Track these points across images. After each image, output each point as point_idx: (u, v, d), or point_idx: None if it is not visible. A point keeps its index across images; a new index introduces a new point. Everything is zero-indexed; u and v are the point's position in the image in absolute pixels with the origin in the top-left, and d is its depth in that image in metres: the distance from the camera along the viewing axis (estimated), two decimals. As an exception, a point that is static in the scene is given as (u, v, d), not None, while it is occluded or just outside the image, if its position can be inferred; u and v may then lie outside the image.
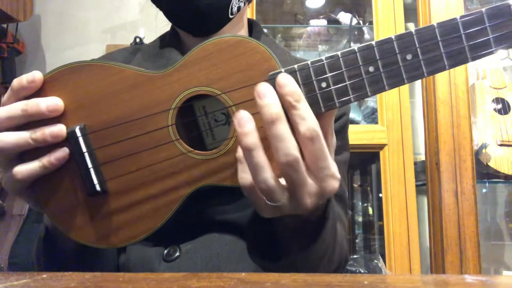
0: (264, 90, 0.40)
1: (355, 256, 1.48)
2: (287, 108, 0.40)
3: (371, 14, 1.64)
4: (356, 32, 1.86)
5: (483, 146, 1.51)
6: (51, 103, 0.46)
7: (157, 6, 0.64)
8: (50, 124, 0.46)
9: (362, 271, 1.41)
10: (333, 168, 0.41)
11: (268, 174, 0.39)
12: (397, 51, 0.41)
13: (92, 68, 0.48)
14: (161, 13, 0.65)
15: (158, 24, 1.94)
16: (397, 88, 1.52)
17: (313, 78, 0.42)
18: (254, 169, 0.40)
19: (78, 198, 0.48)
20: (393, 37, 0.41)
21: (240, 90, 0.44)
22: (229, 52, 0.45)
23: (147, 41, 1.79)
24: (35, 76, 0.46)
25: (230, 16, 0.63)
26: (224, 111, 0.48)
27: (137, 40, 1.83)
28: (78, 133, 0.47)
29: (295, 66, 0.42)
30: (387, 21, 1.57)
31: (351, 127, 0.72)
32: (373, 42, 0.42)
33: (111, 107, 0.47)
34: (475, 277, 0.33)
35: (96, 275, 0.35)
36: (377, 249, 1.66)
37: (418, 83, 1.78)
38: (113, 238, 0.48)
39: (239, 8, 0.64)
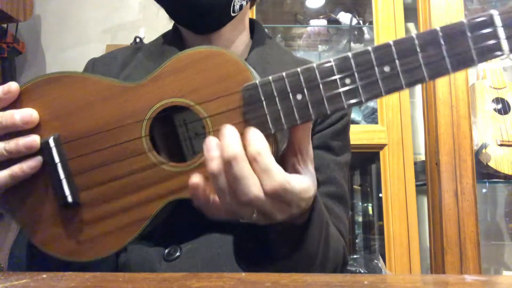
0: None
1: (355, 256, 1.48)
2: (250, 161, 0.40)
3: (371, 14, 1.64)
4: (356, 32, 1.86)
5: (483, 146, 1.51)
6: (26, 114, 0.46)
7: (159, 3, 0.64)
8: (25, 135, 0.46)
9: (362, 271, 1.41)
10: (306, 193, 0.42)
11: (228, 197, 0.40)
12: (375, 63, 0.40)
13: (68, 79, 0.48)
14: (161, 13, 0.64)
15: (158, 24, 1.94)
16: (397, 88, 1.52)
17: (289, 90, 0.41)
18: (218, 193, 0.41)
19: (51, 210, 0.48)
20: (370, 48, 0.40)
21: (215, 101, 0.44)
22: (204, 63, 0.44)
23: (147, 41, 1.79)
24: (11, 87, 0.47)
25: (232, 14, 0.62)
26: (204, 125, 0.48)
27: (137, 40, 1.82)
28: (52, 144, 0.47)
29: (270, 77, 0.42)
30: (387, 21, 1.57)
31: (351, 127, 0.72)
32: (349, 54, 0.41)
33: (86, 118, 0.47)
34: (475, 277, 0.33)
35: (96, 275, 0.35)
36: (377, 249, 1.66)
37: (418, 83, 1.78)
38: (85, 251, 0.47)
39: (241, 7, 0.63)
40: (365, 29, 1.84)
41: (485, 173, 1.54)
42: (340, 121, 0.67)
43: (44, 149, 0.47)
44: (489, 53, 0.38)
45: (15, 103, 0.48)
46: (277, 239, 0.48)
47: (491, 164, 1.50)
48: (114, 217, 0.47)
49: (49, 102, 0.48)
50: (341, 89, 0.40)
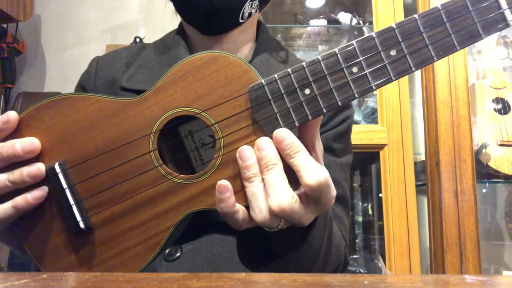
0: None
1: (355, 256, 1.48)
2: (286, 159, 0.40)
3: (371, 14, 1.64)
4: (356, 32, 1.86)
5: (483, 146, 1.51)
6: (27, 143, 0.45)
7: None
8: (29, 163, 0.44)
9: (362, 271, 1.41)
10: (333, 191, 0.42)
11: (262, 205, 0.40)
12: (380, 48, 0.39)
13: (68, 101, 0.47)
14: (161, 13, 0.64)
15: (158, 24, 1.94)
16: (397, 88, 1.52)
17: (296, 85, 0.41)
18: (252, 199, 0.40)
19: (63, 239, 0.46)
20: (373, 34, 0.40)
21: (221, 106, 0.43)
22: (206, 69, 0.44)
23: (147, 41, 1.79)
24: (9, 116, 0.45)
25: (241, 20, 0.62)
26: (212, 134, 0.46)
27: (137, 40, 1.82)
28: (58, 169, 0.45)
29: (275, 75, 0.41)
30: (387, 21, 1.57)
31: (350, 127, 0.72)
32: (353, 41, 0.40)
33: (90, 139, 0.46)
34: (475, 277, 0.33)
35: (96, 275, 0.35)
36: (377, 249, 1.66)
37: (418, 83, 1.78)
38: None
39: (250, 14, 0.63)
40: (365, 29, 1.84)
41: (485, 173, 1.54)
42: (343, 124, 0.67)
43: (50, 176, 0.45)
44: (494, 25, 0.38)
45: (16, 132, 0.46)
46: (282, 234, 0.48)
47: (491, 164, 1.50)
48: (129, 239, 0.45)
49: (50, 127, 0.46)
50: (349, 78, 0.40)
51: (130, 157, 0.45)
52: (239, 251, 0.51)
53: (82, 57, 1.91)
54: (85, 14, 2.02)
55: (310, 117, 0.41)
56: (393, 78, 0.39)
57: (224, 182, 0.41)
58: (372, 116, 1.66)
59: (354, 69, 0.40)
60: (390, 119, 1.50)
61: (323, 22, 1.86)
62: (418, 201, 1.52)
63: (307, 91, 0.40)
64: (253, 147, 0.42)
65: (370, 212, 1.82)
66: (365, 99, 1.82)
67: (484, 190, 1.71)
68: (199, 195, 0.44)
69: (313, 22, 1.88)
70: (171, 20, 0.75)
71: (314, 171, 0.39)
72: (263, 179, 0.40)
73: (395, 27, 0.39)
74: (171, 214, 0.44)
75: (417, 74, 1.80)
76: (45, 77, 1.98)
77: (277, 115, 0.41)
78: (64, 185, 0.45)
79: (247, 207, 0.42)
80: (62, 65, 1.97)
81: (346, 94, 0.40)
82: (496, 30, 0.38)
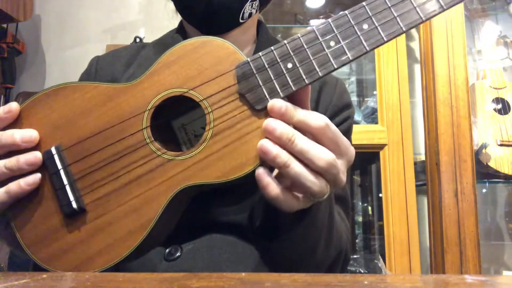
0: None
1: (355, 256, 1.48)
2: (285, 146, 0.42)
3: (371, 14, 1.64)
4: (356, 32, 1.86)
5: (483, 146, 1.51)
6: (26, 134, 0.47)
7: None
8: (26, 152, 0.46)
9: (362, 271, 1.41)
10: (347, 142, 0.45)
11: (311, 177, 0.42)
12: (353, 23, 0.44)
13: (66, 90, 0.49)
14: (161, 13, 0.65)
15: (158, 24, 1.94)
16: (397, 88, 1.52)
17: (278, 60, 0.44)
18: (299, 179, 0.42)
19: (56, 223, 0.46)
20: (346, 11, 0.45)
21: (209, 84, 0.46)
22: (196, 52, 0.47)
23: (146, 41, 1.79)
24: (11, 106, 0.48)
25: (241, 21, 0.63)
26: (204, 126, 0.47)
27: (137, 40, 1.82)
28: (54, 151, 0.47)
29: (259, 53, 0.45)
30: (387, 21, 1.57)
31: (350, 127, 0.72)
32: (329, 20, 0.45)
33: (86, 124, 0.48)
34: (475, 277, 0.33)
35: (96, 275, 0.35)
36: (377, 249, 1.66)
37: (418, 83, 1.78)
38: (93, 262, 0.45)
39: (250, 14, 0.64)
40: (365, 29, 1.84)
41: (485, 173, 1.53)
42: (343, 124, 0.67)
43: (46, 160, 0.46)
44: None
45: (16, 121, 0.48)
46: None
47: (491, 164, 1.50)
48: (121, 217, 0.46)
49: (49, 115, 0.48)
50: (328, 51, 0.44)
51: (122, 136, 0.47)
52: (248, 229, 0.52)
53: (82, 57, 1.90)
54: (85, 14, 2.02)
55: (293, 88, 0.44)
56: (367, 48, 0.44)
57: (261, 170, 0.43)
58: (372, 116, 1.66)
59: (332, 43, 0.44)
60: (390, 119, 1.50)
61: (323, 22, 1.85)
62: (418, 201, 1.52)
63: (289, 65, 0.44)
64: (242, 118, 0.45)
65: (370, 212, 1.82)
66: (365, 99, 1.82)
67: (484, 190, 1.71)
68: (191, 170, 0.45)
69: (313, 22, 1.88)
70: (171, 20, 0.75)
71: (317, 115, 0.43)
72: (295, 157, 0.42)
73: (365, 4, 0.44)
74: (163, 190, 0.45)
75: (417, 74, 1.80)
76: (45, 77, 1.98)
77: (262, 87, 0.45)
78: (59, 166, 0.46)
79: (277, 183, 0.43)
80: (62, 65, 1.97)
81: (326, 65, 0.44)
82: (457, 2, 0.43)
